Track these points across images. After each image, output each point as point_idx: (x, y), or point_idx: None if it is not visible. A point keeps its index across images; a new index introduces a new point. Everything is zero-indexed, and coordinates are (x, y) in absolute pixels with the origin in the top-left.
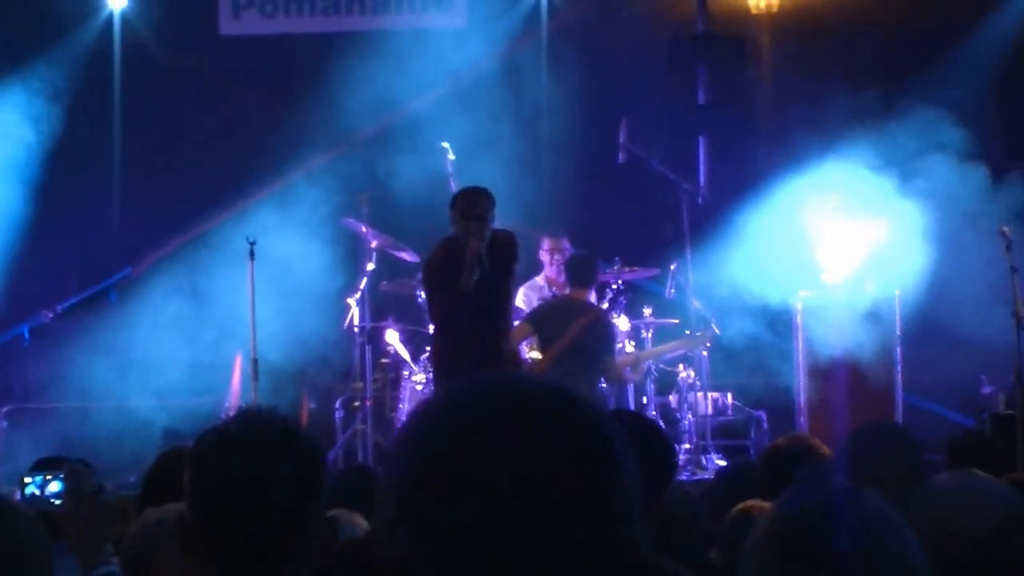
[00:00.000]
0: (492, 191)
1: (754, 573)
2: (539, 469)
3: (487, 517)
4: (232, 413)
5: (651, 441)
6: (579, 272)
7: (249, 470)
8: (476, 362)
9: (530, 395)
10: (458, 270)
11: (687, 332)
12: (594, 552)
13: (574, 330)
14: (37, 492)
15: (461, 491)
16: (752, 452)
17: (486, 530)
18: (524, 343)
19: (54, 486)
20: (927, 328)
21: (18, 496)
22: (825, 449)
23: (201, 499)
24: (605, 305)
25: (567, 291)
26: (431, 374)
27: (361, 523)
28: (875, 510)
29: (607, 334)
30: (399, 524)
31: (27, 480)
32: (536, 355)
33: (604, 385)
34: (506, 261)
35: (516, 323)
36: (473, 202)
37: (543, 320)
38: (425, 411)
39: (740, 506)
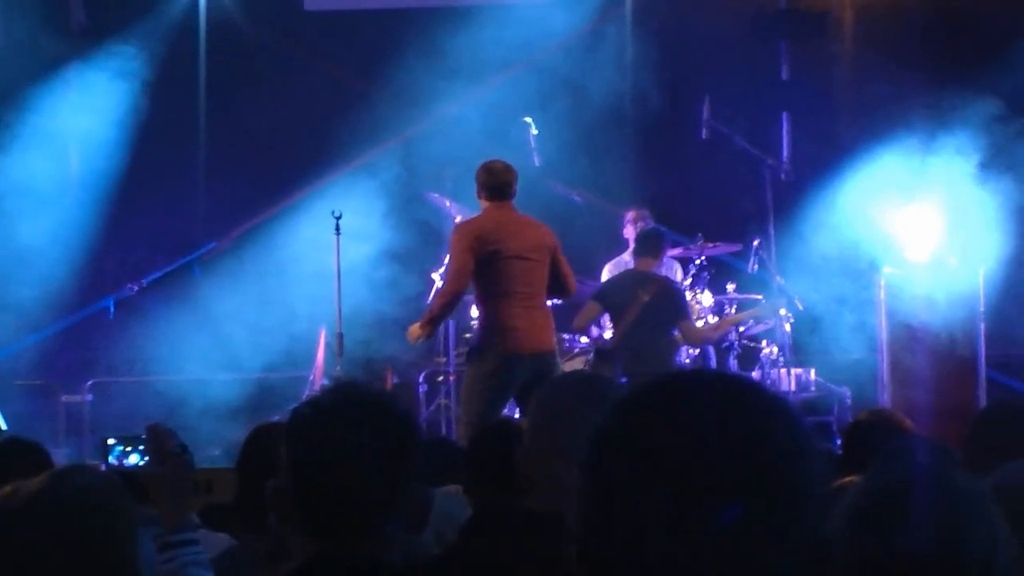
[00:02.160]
0: (575, 167)
1: (843, 547)
2: (735, 452)
3: (687, 503)
4: (317, 387)
5: None
6: (645, 244)
7: (343, 441)
8: None
9: (726, 384)
10: None
11: (767, 302)
12: (786, 534)
13: (642, 300)
14: (115, 463)
15: (663, 478)
16: (834, 429)
17: (686, 517)
18: (595, 321)
19: (133, 458)
20: (1012, 304)
21: (103, 466)
22: (908, 423)
23: (297, 470)
24: (689, 280)
25: (636, 264)
26: None
27: (456, 493)
28: (960, 487)
29: (676, 300)
30: (606, 517)
31: (110, 442)
32: (609, 333)
33: (684, 360)
34: None
35: (588, 303)
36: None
37: (609, 296)
38: (625, 405)
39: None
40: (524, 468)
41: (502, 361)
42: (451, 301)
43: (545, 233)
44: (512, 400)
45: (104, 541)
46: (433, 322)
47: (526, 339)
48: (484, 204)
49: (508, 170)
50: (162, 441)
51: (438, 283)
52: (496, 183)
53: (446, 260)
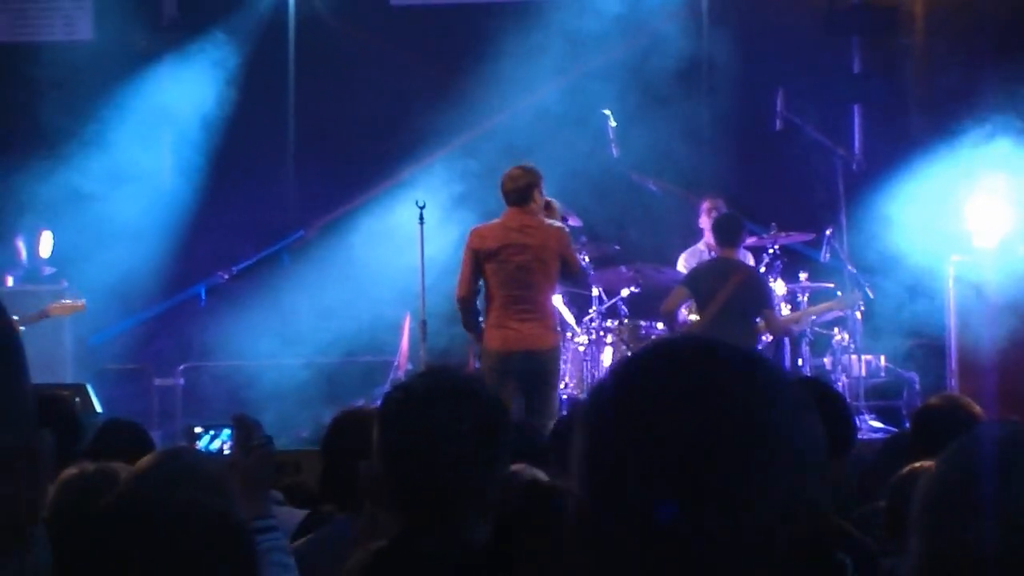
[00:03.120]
0: (652, 157)
1: (919, 533)
2: (724, 419)
3: (678, 464)
4: (401, 372)
5: (834, 411)
6: (726, 231)
7: (433, 426)
8: None
9: (716, 352)
10: None
11: (839, 293)
12: (772, 501)
13: (728, 289)
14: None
15: (656, 439)
16: (904, 413)
17: (678, 477)
18: (682, 306)
19: (216, 443)
20: None
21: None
22: (977, 409)
23: (388, 454)
24: (762, 269)
25: (719, 252)
26: (592, 335)
27: (541, 476)
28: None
29: (761, 290)
30: (599, 474)
31: (197, 430)
32: (694, 317)
33: (762, 345)
34: None
35: (676, 288)
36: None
37: (697, 282)
38: (623, 368)
39: (907, 468)
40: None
41: (497, 359)
42: (463, 307)
43: (550, 236)
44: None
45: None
46: (466, 328)
47: (519, 339)
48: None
49: (513, 178)
50: (248, 432)
51: None
52: (503, 190)
53: None
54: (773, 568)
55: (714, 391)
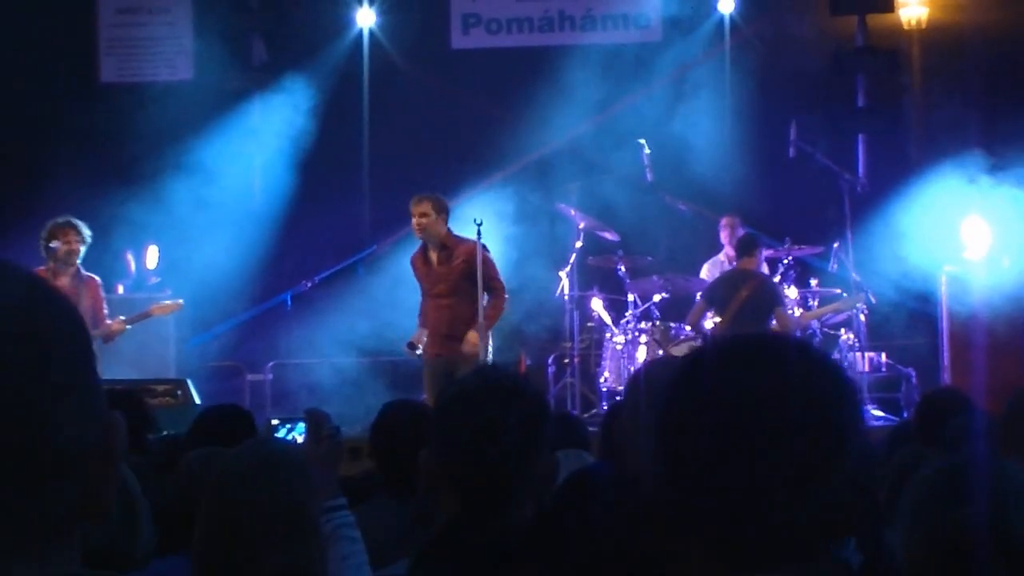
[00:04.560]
0: (682, 181)
1: (912, 520)
2: (786, 411)
3: (737, 451)
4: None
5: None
6: (745, 246)
7: (484, 419)
8: None
9: (783, 347)
10: None
11: (845, 296)
12: (832, 475)
13: (742, 294)
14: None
15: (721, 428)
16: (902, 404)
17: (737, 462)
18: (704, 317)
19: (292, 435)
20: None
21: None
22: (971, 401)
23: (444, 443)
24: (777, 277)
25: (735, 263)
26: (628, 336)
27: (588, 459)
28: (1011, 478)
29: (772, 293)
30: (667, 460)
31: (274, 422)
32: (717, 320)
33: None
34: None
35: (697, 301)
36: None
37: (713, 293)
38: (691, 361)
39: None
40: (617, 437)
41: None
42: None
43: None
44: None
45: (302, 493)
46: None
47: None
48: None
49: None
50: (319, 424)
51: (564, 280)
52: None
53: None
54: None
55: (785, 382)
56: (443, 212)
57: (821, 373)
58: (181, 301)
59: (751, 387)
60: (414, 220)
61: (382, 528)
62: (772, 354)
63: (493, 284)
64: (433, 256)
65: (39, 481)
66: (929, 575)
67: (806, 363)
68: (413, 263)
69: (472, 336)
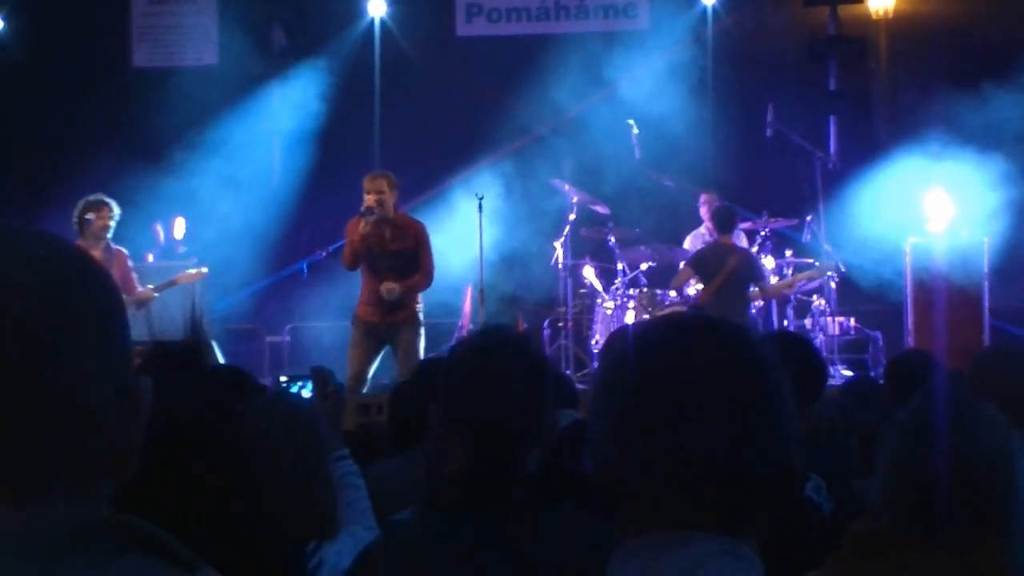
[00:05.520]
0: (667, 159)
1: (889, 469)
2: (714, 378)
3: (672, 414)
4: (464, 331)
5: (805, 353)
6: (723, 220)
7: (492, 374)
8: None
9: (713, 325)
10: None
11: (816, 264)
12: (753, 452)
13: (728, 268)
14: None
15: (658, 393)
16: (869, 364)
17: (674, 425)
18: (687, 283)
19: (302, 392)
20: (1009, 265)
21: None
22: (936, 359)
23: (454, 397)
24: (755, 248)
25: (717, 238)
26: (617, 301)
27: (574, 415)
28: (984, 423)
29: (755, 268)
30: (611, 422)
31: (283, 380)
32: (699, 287)
33: (753, 312)
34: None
35: (682, 267)
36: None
37: (701, 263)
38: (634, 334)
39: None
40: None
41: None
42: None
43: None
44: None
45: (315, 443)
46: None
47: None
48: None
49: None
50: (325, 381)
51: (559, 250)
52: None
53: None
54: (786, 491)
55: (706, 352)
56: (395, 189)
57: (743, 357)
58: (205, 269)
59: (676, 367)
60: (371, 196)
61: (394, 479)
62: (698, 338)
63: (428, 266)
64: (387, 232)
65: (65, 432)
66: (902, 513)
67: (731, 348)
68: (353, 231)
69: (395, 286)
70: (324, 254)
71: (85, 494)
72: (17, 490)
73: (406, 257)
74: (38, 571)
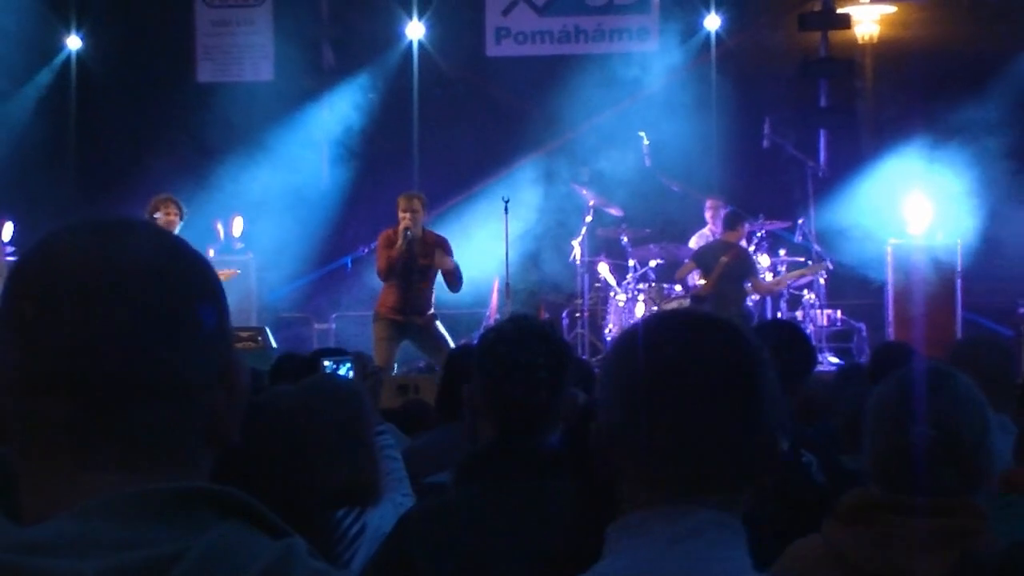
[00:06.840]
0: (673, 167)
1: (870, 435)
2: (711, 364)
3: (675, 395)
4: (492, 320)
5: (794, 338)
6: (731, 221)
7: (519, 358)
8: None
9: (711, 319)
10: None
11: (808, 263)
12: (742, 432)
13: (723, 263)
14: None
15: (663, 377)
16: (854, 352)
17: (676, 404)
18: (690, 275)
19: (341, 370)
20: (980, 266)
21: None
22: (916, 349)
23: (486, 378)
24: (752, 247)
25: (720, 236)
26: (629, 294)
27: (582, 396)
28: (962, 393)
29: (747, 264)
30: (620, 401)
31: (325, 363)
32: (702, 281)
33: (750, 304)
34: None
35: (686, 262)
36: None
37: (702, 258)
38: (636, 328)
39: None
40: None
41: None
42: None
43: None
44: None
45: (362, 418)
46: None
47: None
48: None
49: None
50: (364, 364)
51: (576, 248)
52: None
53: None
54: (772, 470)
55: (705, 342)
56: (426, 208)
57: (737, 346)
58: (238, 270)
59: (677, 354)
60: (407, 215)
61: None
62: (696, 328)
63: (458, 272)
64: (416, 248)
65: (169, 407)
66: (886, 480)
67: (725, 337)
68: (389, 243)
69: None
70: (366, 250)
71: (188, 464)
72: (127, 460)
73: (433, 270)
74: (145, 529)
